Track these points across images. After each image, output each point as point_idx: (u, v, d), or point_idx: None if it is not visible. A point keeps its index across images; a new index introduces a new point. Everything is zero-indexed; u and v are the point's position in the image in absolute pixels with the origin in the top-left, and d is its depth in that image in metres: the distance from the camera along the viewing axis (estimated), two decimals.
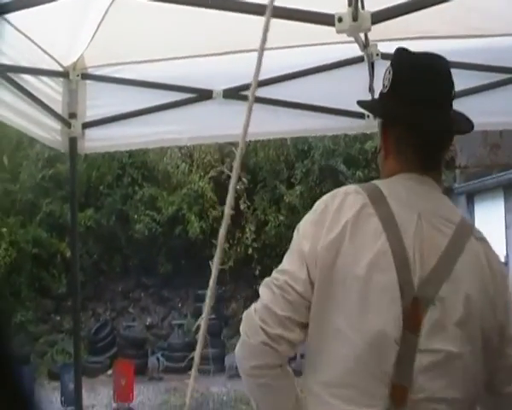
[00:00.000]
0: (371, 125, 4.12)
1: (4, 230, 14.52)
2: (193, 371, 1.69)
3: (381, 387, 1.79)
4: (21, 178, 14.06)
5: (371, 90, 3.95)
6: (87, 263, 15.73)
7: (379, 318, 1.81)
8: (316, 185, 15.83)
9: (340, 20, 2.30)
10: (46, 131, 3.95)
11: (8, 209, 14.89)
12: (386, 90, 2.00)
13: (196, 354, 1.67)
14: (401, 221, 1.86)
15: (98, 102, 4.12)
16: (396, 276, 1.81)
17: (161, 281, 16.70)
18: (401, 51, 2.02)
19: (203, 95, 4.09)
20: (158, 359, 14.83)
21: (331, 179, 15.51)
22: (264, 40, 1.63)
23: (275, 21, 2.59)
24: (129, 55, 3.97)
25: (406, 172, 1.97)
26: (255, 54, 3.84)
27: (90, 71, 4.06)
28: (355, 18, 2.28)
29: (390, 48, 3.87)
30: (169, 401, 12.73)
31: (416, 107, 1.92)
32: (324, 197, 1.98)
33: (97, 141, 4.23)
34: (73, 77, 4.01)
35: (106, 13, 3.61)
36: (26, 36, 3.52)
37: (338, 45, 3.68)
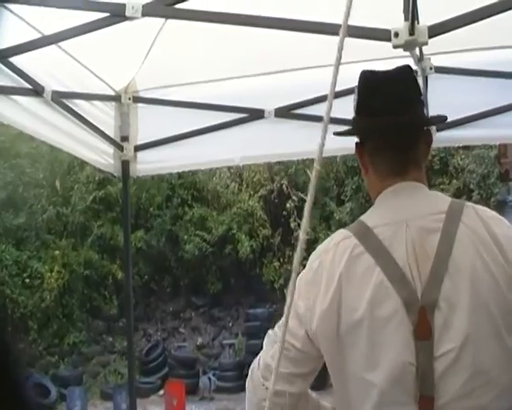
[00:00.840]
0: None
1: (57, 252, 14.71)
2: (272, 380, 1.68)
3: (408, 406, 1.79)
4: (73, 201, 14.25)
5: (425, 104, 3.90)
6: (137, 284, 15.81)
7: (390, 350, 1.81)
8: (366, 202, 15.64)
9: (396, 35, 2.25)
10: (99, 154, 3.98)
11: (61, 232, 15.09)
12: (354, 114, 2.10)
13: (274, 369, 1.65)
14: (390, 244, 1.86)
15: (149, 124, 4.13)
16: (399, 300, 1.81)
17: (211, 301, 16.70)
18: (363, 73, 2.09)
19: (254, 114, 4.07)
20: (209, 378, 14.81)
21: None
22: (339, 58, 1.60)
23: (328, 38, 2.57)
24: (180, 76, 3.96)
25: (386, 181, 1.99)
26: (306, 72, 3.86)
27: (142, 94, 4.08)
28: (411, 32, 2.23)
29: (444, 61, 3.83)
30: None
31: (374, 117, 2.01)
32: (318, 251, 2.00)
33: (149, 163, 4.24)
34: (125, 100, 4.03)
35: (156, 36, 3.62)
36: (77, 61, 3.55)
37: (392, 60, 3.61)
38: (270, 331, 2.02)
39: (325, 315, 1.87)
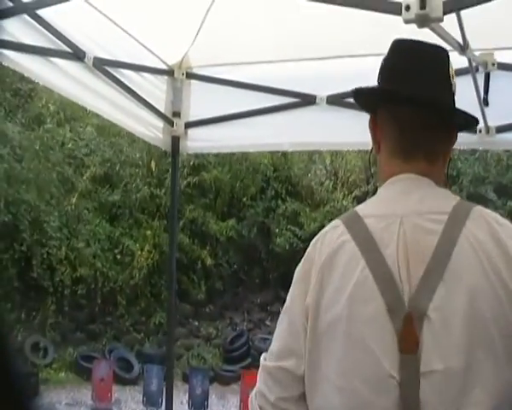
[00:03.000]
0: (483, 140, 3.85)
1: (149, 232, 14.99)
2: None
3: None
4: (167, 183, 14.43)
5: (485, 102, 3.69)
6: (227, 272, 15.95)
7: (369, 357, 1.62)
8: None
9: (407, 8, 2.11)
10: (146, 127, 3.99)
11: (153, 213, 15.36)
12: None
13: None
14: (381, 238, 1.67)
15: (201, 101, 4.12)
16: (382, 301, 1.61)
17: None
18: (396, 40, 1.88)
19: (306, 100, 3.99)
20: None
21: None
22: None
23: (385, 26, 2.43)
24: (234, 55, 3.94)
25: (392, 162, 1.81)
26: (361, 59, 3.74)
27: (195, 70, 4.07)
28: (422, 6, 2.08)
29: (509, 57, 3.61)
30: None
31: (396, 82, 1.81)
32: (308, 247, 1.82)
33: (199, 141, 4.23)
34: (178, 75, 4.03)
35: (208, 11, 3.60)
36: (126, 32, 3.57)
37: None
38: (262, 357, 1.86)
39: (311, 307, 1.71)
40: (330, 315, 1.67)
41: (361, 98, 1.97)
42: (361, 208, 1.79)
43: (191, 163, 15.12)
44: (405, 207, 1.71)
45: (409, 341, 1.58)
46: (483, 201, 15.19)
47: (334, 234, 1.74)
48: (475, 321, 1.57)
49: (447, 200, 1.73)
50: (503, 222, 1.69)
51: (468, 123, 1.93)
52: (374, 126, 1.88)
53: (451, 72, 1.84)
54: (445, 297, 1.59)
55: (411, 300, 1.60)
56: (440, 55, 1.85)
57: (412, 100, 1.78)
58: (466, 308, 1.57)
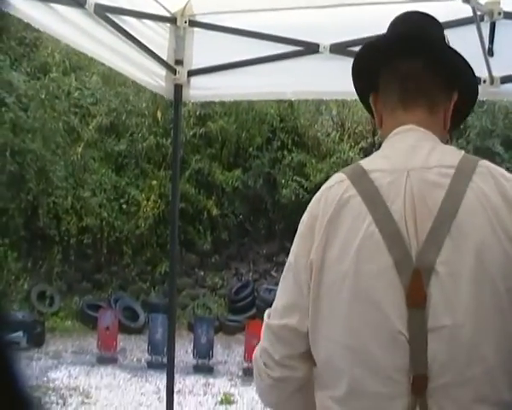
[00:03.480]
0: (487, 91, 3.81)
1: (154, 182, 14.99)
2: None
3: (399, 386, 1.60)
4: (173, 133, 14.44)
5: (490, 52, 3.64)
6: (232, 223, 15.98)
7: (377, 314, 1.61)
8: None
9: None
10: (149, 75, 3.97)
11: (160, 163, 15.35)
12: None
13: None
14: (387, 193, 1.66)
15: (204, 50, 4.08)
16: (389, 257, 1.61)
17: None
18: (390, 24, 1.94)
19: (309, 48, 3.94)
20: None
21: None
22: None
23: None
24: (236, 2, 3.89)
25: (394, 113, 1.82)
26: (365, 8, 3.69)
27: (198, 18, 4.03)
28: None
29: None
30: None
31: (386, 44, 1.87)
32: (311, 202, 1.81)
33: (202, 89, 4.21)
34: (181, 23, 3.99)
35: None
36: None
37: (448, 2, 3.37)
38: (266, 312, 1.86)
39: (315, 264, 1.69)
40: (336, 271, 1.66)
41: (359, 71, 1.97)
42: (366, 163, 1.78)
43: (197, 113, 15.06)
44: (411, 161, 1.70)
45: (417, 295, 1.58)
46: (490, 154, 15.12)
47: (339, 189, 1.72)
48: (483, 276, 1.58)
49: (453, 154, 1.72)
50: (510, 177, 1.68)
51: (468, 77, 1.89)
52: (374, 100, 1.90)
53: (447, 39, 1.89)
54: (453, 252, 1.58)
55: (418, 254, 1.60)
56: (436, 22, 1.91)
57: (410, 49, 1.80)
58: (473, 263, 1.57)
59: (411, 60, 1.80)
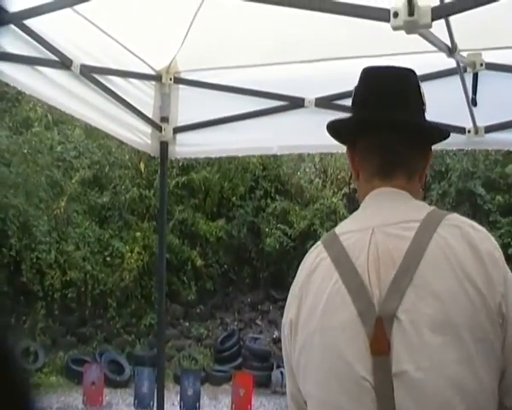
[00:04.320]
0: (472, 141, 3.85)
1: (138, 234, 14.98)
2: None
3: None
4: (156, 184, 14.44)
5: (473, 102, 3.68)
6: (217, 272, 15.96)
7: (341, 363, 1.65)
8: (452, 208, 15.23)
9: (395, 15, 2.10)
10: (135, 134, 3.96)
11: (143, 214, 15.36)
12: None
13: None
14: (353, 250, 1.70)
15: (189, 106, 4.09)
16: (353, 308, 1.64)
17: None
18: (364, 69, 1.94)
19: (295, 103, 3.96)
20: (282, 373, 14.70)
21: (469, 203, 15.01)
22: None
23: (372, 29, 2.44)
24: (222, 59, 3.91)
25: (372, 183, 1.84)
26: (350, 61, 3.73)
27: (183, 75, 4.05)
28: (411, 12, 2.07)
29: (497, 57, 3.60)
30: None
31: (367, 111, 1.88)
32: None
33: (188, 146, 4.21)
34: (166, 80, 4.01)
35: (196, 14, 3.58)
36: (113, 38, 3.54)
37: (423, 55, 3.41)
38: None
39: (291, 332, 1.78)
40: (306, 332, 1.72)
41: (335, 130, 1.99)
42: (340, 227, 1.84)
43: (180, 164, 15.13)
44: (378, 219, 1.75)
45: (380, 343, 1.60)
46: (472, 196, 15.25)
47: (313, 254, 1.80)
48: (445, 325, 1.59)
49: (421, 210, 1.75)
50: (478, 228, 1.72)
51: (442, 135, 1.97)
52: (351, 155, 1.92)
53: (422, 90, 1.91)
54: (415, 300, 1.60)
55: (381, 303, 1.63)
56: (408, 77, 1.92)
57: (387, 125, 1.84)
58: (434, 311, 1.59)
59: (389, 130, 1.83)
